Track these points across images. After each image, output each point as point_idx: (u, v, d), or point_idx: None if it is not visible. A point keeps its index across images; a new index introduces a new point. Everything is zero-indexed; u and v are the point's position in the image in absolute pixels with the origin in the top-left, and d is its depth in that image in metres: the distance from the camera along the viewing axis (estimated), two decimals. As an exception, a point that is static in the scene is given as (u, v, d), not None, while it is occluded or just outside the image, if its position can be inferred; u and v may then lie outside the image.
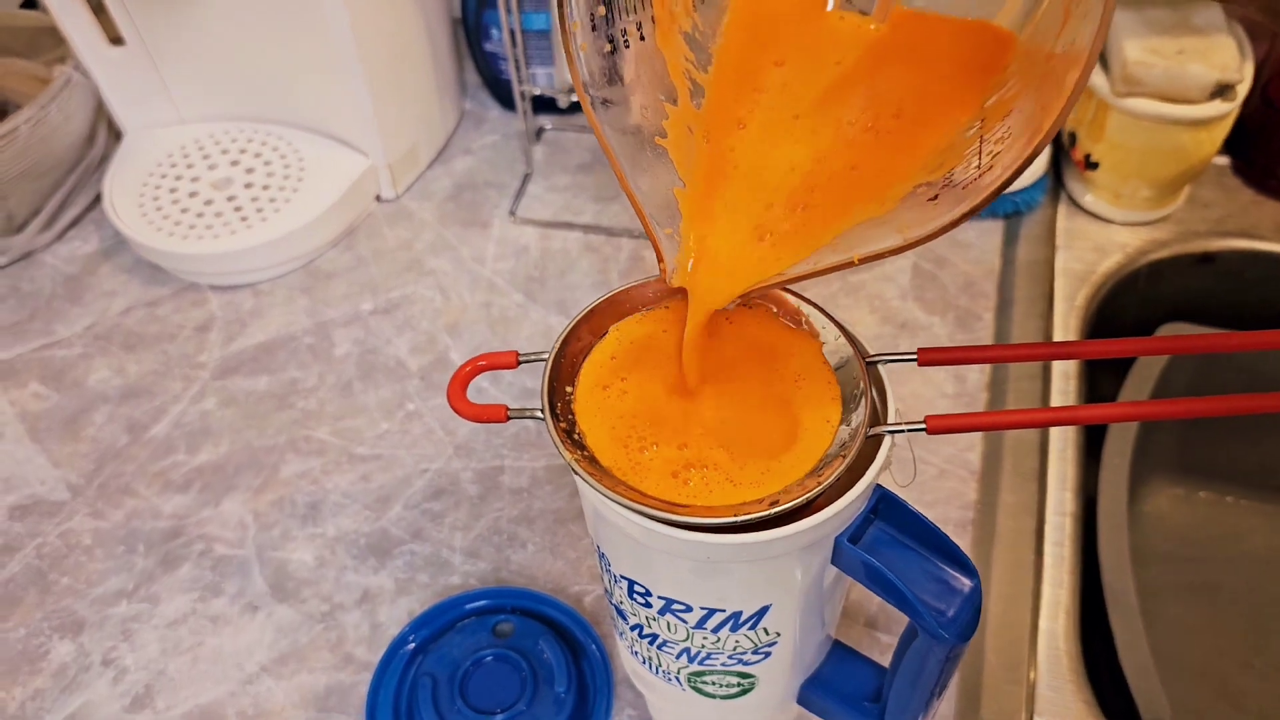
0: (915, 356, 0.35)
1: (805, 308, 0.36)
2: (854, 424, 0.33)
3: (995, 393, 0.65)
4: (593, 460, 0.33)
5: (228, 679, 0.55)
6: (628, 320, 0.37)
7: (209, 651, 0.56)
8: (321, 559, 0.59)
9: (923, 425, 0.33)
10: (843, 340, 0.35)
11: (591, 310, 0.37)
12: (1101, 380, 0.67)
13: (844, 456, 0.32)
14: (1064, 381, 0.64)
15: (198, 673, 0.55)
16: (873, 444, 0.34)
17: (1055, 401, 0.63)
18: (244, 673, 0.55)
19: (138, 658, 0.56)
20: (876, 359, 0.35)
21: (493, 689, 0.51)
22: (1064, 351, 0.36)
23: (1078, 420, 0.34)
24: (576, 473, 0.33)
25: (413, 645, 0.54)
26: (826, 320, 0.36)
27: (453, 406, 0.34)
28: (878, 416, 0.35)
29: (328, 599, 0.57)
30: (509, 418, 0.34)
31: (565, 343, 0.36)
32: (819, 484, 0.31)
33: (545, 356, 0.35)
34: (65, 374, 0.69)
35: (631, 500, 0.32)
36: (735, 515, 0.31)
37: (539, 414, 0.34)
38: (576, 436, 0.34)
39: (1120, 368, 0.66)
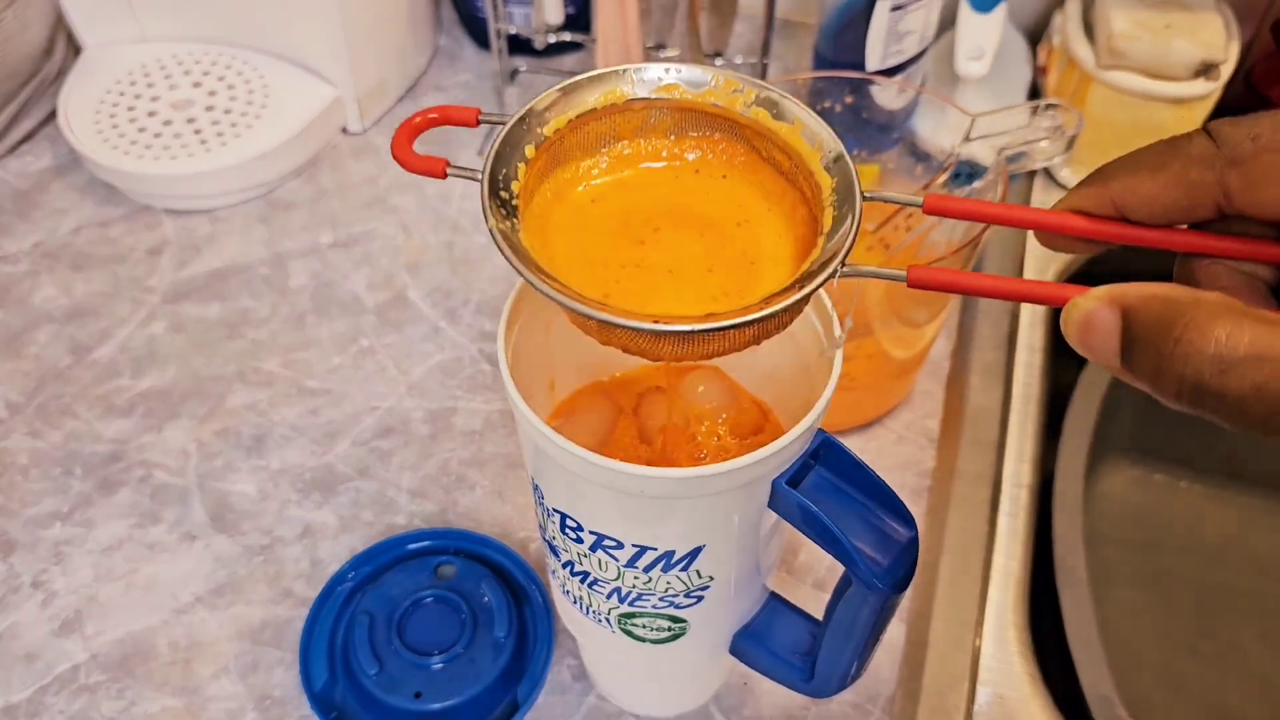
0: (904, 275, 0.32)
1: (813, 120, 0.32)
2: (825, 259, 0.29)
3: (958, 361, 0.64)
4: (517, 234, 0.30)
5: (161, 608, 0.54)
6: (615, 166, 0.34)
7: (143, 579, 0.55)
8: (264, 491, 0.58)
9: (903, 274, 0.29)
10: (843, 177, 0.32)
11: (590, 80, 0.32)
12: (1063, 369, 0.67)
13: (800, 287, 0.28)
14: (1029, 354, 0.63)
15: (130, 600, 0.54)
16: (822, 367, 0.32)
17: (1019, 375, 0.62)
18: (178, 602, 0.54)
19: (69, 581, 0.54)
20: (872, 197, 0.31)
21: (431, 630, 0.50)
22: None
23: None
24: (496, 242, 0.29)
25: (351, 582, 0.53)
26: (832, 138, 0.31)
27: (395, 155, 0.32)
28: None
29: (268, 532, 0.56)
30: (446, 174, 0.31)
31: (532, 111, 0.32)
32: (761, 309, 0.28)
33: (507, 119, 0.32)
34: (9, 291, 0.67)
35: (555, 290, 0.28)
36: (656, 322, 0.28)
37: (478, 175, 0.31)
38: (513, 221, 0.30)
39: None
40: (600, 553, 0.36)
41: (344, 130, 0.77)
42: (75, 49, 0.77)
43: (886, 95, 0.60)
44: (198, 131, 0.71)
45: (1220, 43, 0.64)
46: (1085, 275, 0.69)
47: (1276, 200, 0.26)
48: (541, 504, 0.37)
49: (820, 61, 0.67)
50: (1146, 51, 0.64)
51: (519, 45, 0.80)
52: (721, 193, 0.34)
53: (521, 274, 0.28)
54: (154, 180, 0.69)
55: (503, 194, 0.30)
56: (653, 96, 0.33)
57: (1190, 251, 0.29)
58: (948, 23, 0.71)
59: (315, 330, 0.65)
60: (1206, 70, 0.64)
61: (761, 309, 0.27)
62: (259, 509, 0.57)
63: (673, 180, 0.34)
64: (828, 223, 0.30)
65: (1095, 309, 0.25)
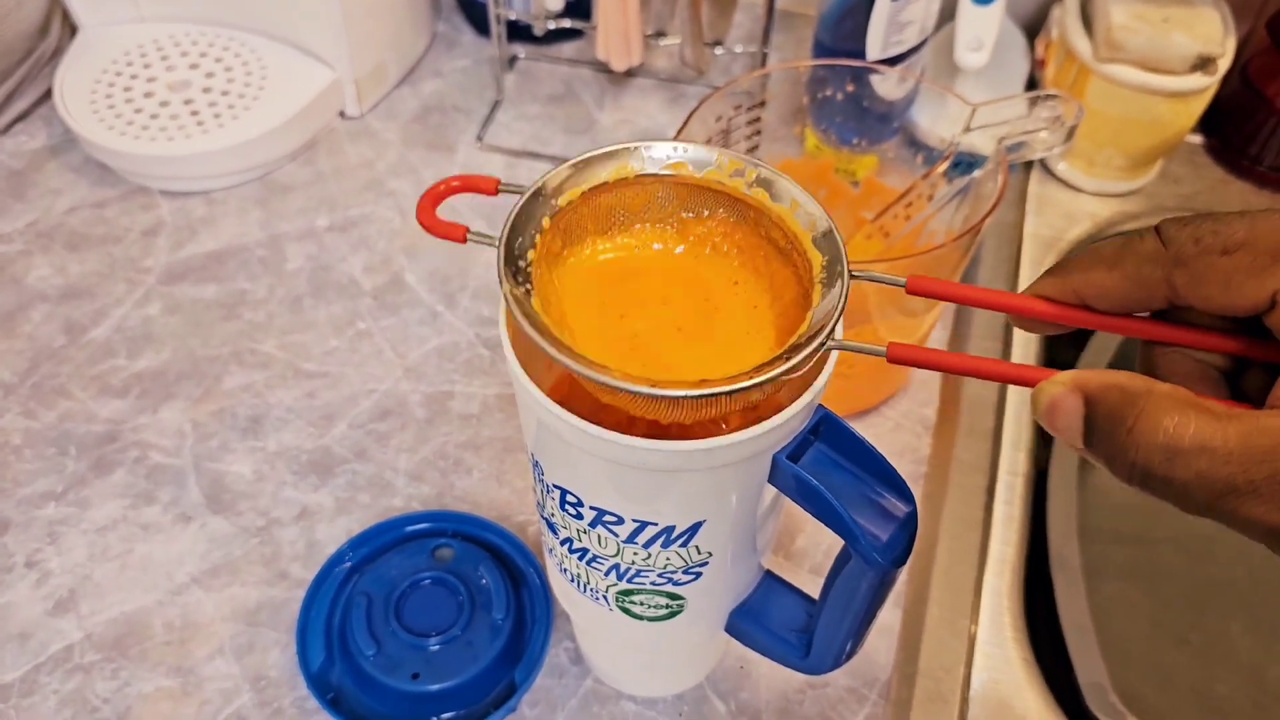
0: (904, 282, 0.33)
1: (807, 200, 0.34)
2: (813, 333, 0.31)
3: (955, 347, 0.64)
4: (530, 300, 0.31)
5: (156, 588, 0.53)
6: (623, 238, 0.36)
7: (138, 559, 0.54)
8: (260, 473, 0.57)
9: (883, 350, 0.31)
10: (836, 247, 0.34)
11: (602, 155, 0.34)
12: (1060, 346, 0.67)
13: (787, 359, 0.30)
14: (1025, 344, 0.63)
15: (125, 579, 0.54)
16: (818, 363, 0.32)
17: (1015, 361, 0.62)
18: (173, 582, 0.54)
19: (63, 561, 0.54)
20: (860, 275, 0.33)
21: (429, 612, 0.50)
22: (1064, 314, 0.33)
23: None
24: (510, 306, 0.30)
25: (349, 564, 0.53)
26: (823, 216, 0.34)
27: (419, 220, 0.34)
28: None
29: (264, 513, 0.56)
30: (467, 239, 0.33)
31: (547, 184, 0.33)
32: (751, 378, 0.29)
33: (526, 189, 0.33)
34: (3, 270, 0.67)
35: (562, 354, 0.30)
36: (654, 387, 0.29)
37: (495, 242, 0.32)
38: (527, 287, 0.32)
39: (1081, 335, 0.66)
40: (600, 528, 0.36)
41: (342, 114, 0.77)
42: (71, 28, 0.77)
43: (887, 84, 0.60)
44: (195, 113, 0.71)
45: (1217, 37, 0.64)
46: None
47: (1217, 297, 0.28)
48: (541, 480, 0.37)
49: (820, 50, 0.68)
50: (1144, 45, 0.64)
51: (518, 32, 0.80)
52: (721, 265, 0.35)
53: (534, 339, 0.30)
54: (150, 161, 0.69)
55: (520, 262, 0.32)
56: (660, 173, 0.34)
57: (1148, 339, 0.31)
58: (947, 15, 0.71)
59: (312, 313, 0.65)
60: (1204, 64, 0.64)
61: (751, 378, 0.29)
62: (255, 490, 0.57)
63: (677, 253, 0.36)
64: (817, 299, 0.32)
65: (1060, 395, 0.27)
